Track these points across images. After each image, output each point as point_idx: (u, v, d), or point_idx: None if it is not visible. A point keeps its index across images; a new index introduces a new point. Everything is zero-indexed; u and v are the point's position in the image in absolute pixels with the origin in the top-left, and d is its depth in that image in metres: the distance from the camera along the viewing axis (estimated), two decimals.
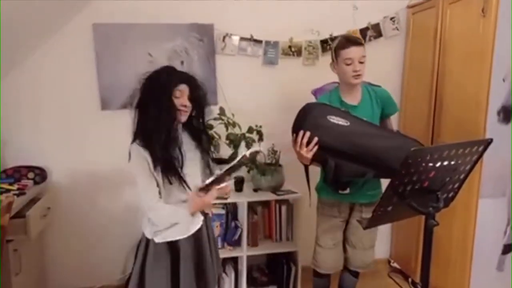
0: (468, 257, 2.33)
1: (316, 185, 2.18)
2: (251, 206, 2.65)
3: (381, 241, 3.14)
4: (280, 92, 2.79)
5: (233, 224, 2.60)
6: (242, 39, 2.69)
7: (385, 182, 2.07)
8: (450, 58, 2.45)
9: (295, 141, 1.83)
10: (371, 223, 1.46)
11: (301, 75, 2.78)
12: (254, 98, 2.77)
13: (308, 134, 1.79)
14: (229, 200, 2.49)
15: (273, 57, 2.75)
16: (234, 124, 2.51)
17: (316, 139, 1.79)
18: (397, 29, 2.88)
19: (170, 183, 1.60)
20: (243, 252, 2.54)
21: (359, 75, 1.93)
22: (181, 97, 1.59)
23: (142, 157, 1.56)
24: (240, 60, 2.72)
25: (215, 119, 2.43)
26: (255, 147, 1.57)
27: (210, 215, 1.85)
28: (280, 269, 2.69)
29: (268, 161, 2.66)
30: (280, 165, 2.63)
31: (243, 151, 1.56)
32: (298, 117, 1.88)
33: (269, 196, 2.57)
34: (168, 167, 1.57)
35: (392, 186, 1.39)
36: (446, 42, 2.48)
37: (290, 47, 2.76)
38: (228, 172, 1.61)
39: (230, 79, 2.73)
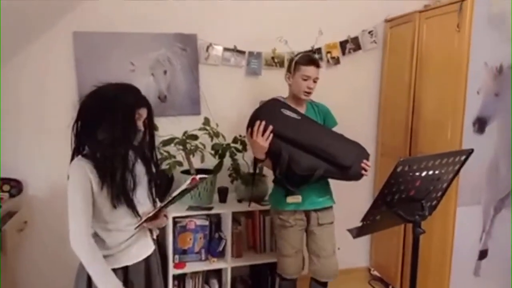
0: (447, 263, 2.40)
1: (269, 198, 2.30)
2: (235, 217, 2.63)
3: (361, 249, 3.21)
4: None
5: (216, 235, 2.58)
6: (225, 49, 2.69)
7: (334, 188, 2.23)
8: (426, 71, 2.55)
9: (251, 132, 1.95)
10: (361, 232, 1.49)
11: (284, 86, 2.76)
12: (238, 108, 2.77)
13: (264, 123, 1.92)
14: (213, 211, 2.47)
15: (256, 68, 2.77)
16: (218, 134, 2.50)
17: (271, 127, 1.93)
18: (375, 42, 2.97)
19: (115, 207, 1.48)
20: (228, 264, 2.52)
21: (310, 92, 2.12)
22: (139, 120, 1.53)
23: (85, 176, 1.43)
24: (223, 71, 2.73)
25: (199, 129, 2.41)
26: (198, 176, 1.51)
27: (155, 238, 1.71)
28: (264, 280, 2.68)
29: (251, 171, 2.66)
30: (263, 175, 2.64)
31: (187, 181, 1.47)
32: (253, 112, 2.03)
33: (254, 207, 2.56)
34: (120, 189, 1.47)
35: (382, 195, 1.43)
36: (423, 56, 2.58)
37: (273, 58, 2.79)
38: (171, 202, 1.52)
39: (214, 89, 2.73)
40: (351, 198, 2.76)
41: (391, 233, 2.81)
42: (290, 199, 2.10)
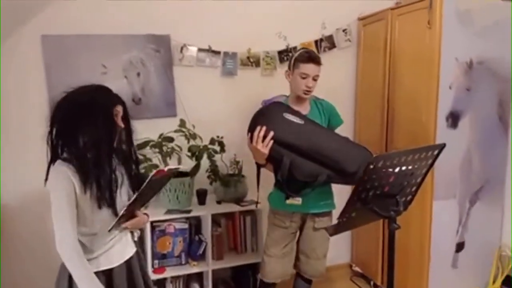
0: (425, 257, 2.43)
1: (268, 194, 2.22)
2: (215, 219, 2.60)
3: (342, 246, 3.22)
4: (240, 102, 2.79)
5: (196, 238, 2.55)
6: (200, 50, 2.67)
7: (336, 192, 2.19)
8: (400, 67, 2.58)
9: (251, 137, 1.88)
10: (337, 230, 1.49)
11: (260, 86, 2.81)
12: (214, 109, 2.75)
13: (264, 128, 1.85)
14: (192, 214, 2.44)
15: (232, 68, 2.75)
16: (194, 136, 2.48)
17: (272, 133, 1.85)
18: (349, 41, 2.99)
19: (100, 208, 1.47)
20: (208, 267, 2.49)
21: (309, 91, 2.04)
22: (117, 117, 1.52)
23: (68, 180, 1.42)
24: (198, 71, 2.70)
25: (175, 131, 2.38)
26: (166, 167, 1.51)
27: (137, 240, 1.71)
28: (246, 281, 2.66)
29: (231, 172, 2.64)
30: (243, 176, 2.62)
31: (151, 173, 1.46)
32: (254, 116, 1.95)
33: (232, 208, 2.55)
34: (103, 190, 1.46)
35: (356, 192, 1.43)
36: (396, 52, 2.61)
37: (248, 58, 2.78)
38: (143, 199, 1.49)
39: (189, 90, 2.69)
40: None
41: (371, 229, 2.83)
42: (289, 201, 2.03)
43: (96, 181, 1.44)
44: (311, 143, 1.90)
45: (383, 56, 2.71)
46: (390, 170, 1.47)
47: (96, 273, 1.48)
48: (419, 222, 2.42)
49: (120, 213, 1.46)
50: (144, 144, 2.27)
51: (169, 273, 2.44)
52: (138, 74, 2.56)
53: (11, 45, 2.35)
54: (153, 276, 2.38)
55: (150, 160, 2.33)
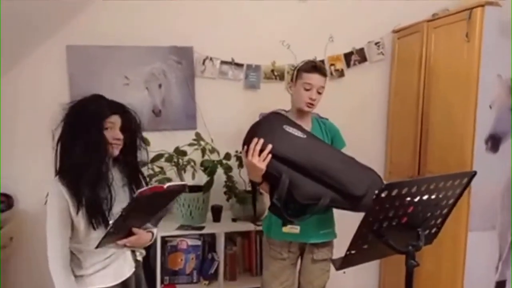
0: None
1: (263, 223, 2.03)
2: (230, 237, 2.51)
3: (369, 273, 3.01)
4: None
5: (209, 256, 2.45)
6: (223, 62, 2.61)
7: (339, 221, 1.98)
8: (435, 83, 2.38)
9: (247, 150, 1.68)
10: (345, 264, 1.33)
11: (284, 100, 2.65)
12: (235, 123, 2.66)
13: (261, 141, 1.65)
14: (205, 231, 2.36)
15: (255, 81, 2.67)
16: (212, 150, 2.40)
17: (270, 146, 1.64)
18: (382, 54, 2.82)
19: (94, 229, 1.42)
20: (220, 287, 2.39)
21: (312, 104, 1.86)
22: (113, 129, 1.45)
23: (61, 198, 1.38)
24: (220, 84, 2.64)
25: (189, 144, 2.32)
26: (166, 184, 1.39)
27: (141, 260, 1.62)
28: None
29: (249, 189, 2.54)
30: (260, 193, 2.51)
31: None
32: (251, 127, 1.76)
33: (248, 227, 2.43)
34: (95, 210, 1.40)
35: (366, 222, 1.27)
36: (432, 67, 2.41)
37: (272, 71, 2.69)
38: (123, 217, 1.35)
39: (210, 103, 2.64)
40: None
41: (400, 255, 2.60)
42: (286, 229, 1.80)
43: (86, 200, 1.39)
44: (313, 160, 1.69)
45: (417, 72, 2.51)
46: (408, 199, 1.30)
47: None
48: (452, 255, 2.18)
49: (106, 231, 1.37)
50: (157, 157, 2.23)
51: None
52: (160, 86, 2.55)
53: (39, 56, 2.41)
54: None
55: (164, 173, 2.28)
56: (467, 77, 2.10)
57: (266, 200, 2.49)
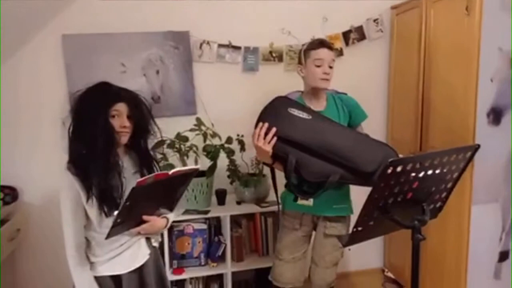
0: (463, 266, 2.21)
1: (281, 194, 2.06)
2: (235, 220, 2.53)
3: (374, 250, 3.05)
4: (262, 99, 2.59)
5: (216, 239, 2.48)
6: (220, 45, 2.58)
7: (354, 197, 1.98)
8: (435, 58, 2.36)
9: (253, 135, 1.75)
10: (352, 241, 1.35)
11: (283, 81, 2.66)
12: (235, 106, 2.66)
13: (266, 125, 1.72)
14: (210, 214, 2.38)
15: (253, 64, 2.65)
16: (214, 135, 2.40)
17: (274, 129, 1.71)
18: (381, 31, 2.79)
19: (107, 216, 1.42)
20: (228, 269, 2.42)
21: (328, 78, 1.87)
22: (120, 117, 1.43)
23: (72, 188, 1.39)
24: (218, 68, 2.62)
25: (190, 130, 2.31)
26: (171, 171, 1.39)
27: (157, 246, 1.64)
28: (269, 285, 2.56)
29: (251, 172, 2.55)
30: (264, 175, 2.52)
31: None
32: (260, 113, 1.81)
33: (253, 209, 2.45)
34: (105, 198, 1.40)
35: (372, 199, 1.28)
36: (431, 43, 2.39)
37: (271, 52, 2.66)
38: (128, 207, 1.33)
39: (209, 87, 2.62)
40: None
41: (405, 233, 2.62)
42: (300, 201, 1.89)
43: (96, 190, 1.39)
44: (320, 140, 1.73)
45: (417, 47, 2.49)
46: (413, 175, 1.31)
47: (103, 277, 1.46)
48: (456, 228, 2.21)
49: (113, 222, 1.36)
50: (159, 144, 2.22)
51: (188, 274, 2.40)
52: (157, 72, 2.53)
53: (33, 46, 2.38)
54: (172, 277, 2.35)
55: (166, 159, 2.28)
56: (467, 51, 2.09)
57: (269, 182, 2.50)
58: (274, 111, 1.77)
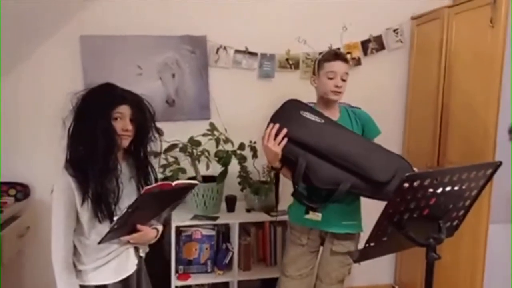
0: (478, 286, 2.13)
1: (288, 206, 2.01)
2: (244, 227, 2.49)
3: (385, 266, 2.97)
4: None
5: (224, 246, 2.44)
6: (236, 51, 2.57)
7: (365, 214, 1.91)
8: (456, 71, 2.30)
9: (263, 137, 1.70)
10: (363, 256, 1.30)
11: (299, 89, 2.61)
12: (249, 112, 2.63)
13: (277, 125, 1.67)
14: (219, 221, 2.34)
15: (269, 70, 2.63)
16: (226, 140, 2.38)
17: (285, 130, 1.66)
18: (401, 41, 2.74)
19: (100, 222, 1.38)
20: (234, 277, 2.38)
21: (339, 91, 1.82)
22: (122, 119, 1.39)
23: (68, 189, 1.34)
24: (234, 73, 2.61)
25: (203, 135, 2.29)
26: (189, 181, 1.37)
27: (143, 257, 1.58)
28: None
29: (263, 179, 2.51)
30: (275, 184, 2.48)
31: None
32: (272, 115, 1.76)
33: (262, 217, 2.41)
34: (100, 203, 1.36)
35: (386, 214, 1.23)
36: (452, 55, 2.33)
37: (287, 59, 2.64)
38: (129, 214, 1.30)
39: (224, 93, 2.61)
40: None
41: (417, 248, 2.55)
42: (309, 215, 1.78)
43: (92, 193, 1.35)
44: (331, 145, 1.67)
45: (437, 59, 2.44)
46: (431, 190, 1.26)
47: (89, 287, 1.42)
48: (471, 248, 2.13)
49: (110, 227, 1.32)
50: (171, 147, 2.21)
51: (193, 280, 2.37)
52: (173, 76, 2.52)
53: (51, 45, 2.40)
54: (178, 283, 2.32)
55: (178, 163, 2.26)
56: (490, 64, 2.03)
57: (280, 190, 2.46)
58: (286, 113, 1.73)
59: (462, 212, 1.42)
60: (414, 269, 2.68)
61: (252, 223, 2.50)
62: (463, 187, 1.32)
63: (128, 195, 1.44)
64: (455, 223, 1.44)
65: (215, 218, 2.33)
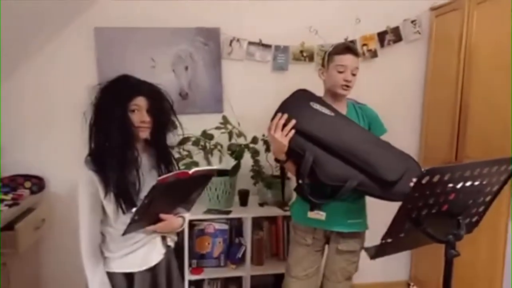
0: (497, 284, 2.07)
1: (290, 207, 1.97)
2: (257, 222, 2.48)
3: (400, 261, 2.93)
4: None
5: (237, 240, 2.44)
6: (250, 43, 2.54)
7: (370, 212, 1.88)
8: (476, 64, 2.23)
9: (270, 127, 1.64)
10: (379, 253, 1.27)
11: (313, 81, 2.56)
12: (262, 105, 2.57)
13: (285, 116, 1.60)
14: (232, 215, 2.33)
15: (283, 63, 2.59)
16: (239, 134, 2.36)
17: (293, 121, 1.60)
18: (419, 33, 2.67)
19: (124, 213, 1.39)
20: (247, 272, 2.37)
21: (348, 86, 1.76)
22: (139, 111, 1.40)
23: (91, 182, 1.37)
24: (248, 66, 2.58)
25: (216, 128, 2.28)
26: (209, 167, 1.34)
27: (172, 246, 1.61)
28: None
29: (276, 173, 2.49)
30: (288, 178, 2.45)
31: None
32: (280, 104, 1.70)
33: (275, 212, 2.39)
34: (122, 194, 1.38)
35: (404, 210, 1.20)
36: (473, 47, 2.26)
37: (301, 52, 2.59)
38: (146, 205, 1.30)
39: (237, 85, 2.59)
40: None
41: (433, 245, 2.50)
42: (311, 214, 1.74)
43: (114, 185, 1.37)
44: (341, 139, 1.60)
45: (457, 50, 2.36)
46: (450, 185, 1.21)
47: (115, 274, 1.44)
48: (491, 245, 2.07)
49: (130, 219, 1.33)
50: (184, 141, 2.20)
51: (206, 274, 2.37)
52: (186, 68, 2.51)
53: (66, 37, 2.41)
54: (190, 277, 2.33)
55: (191, 157, 2.25)
56: None
57: (293, 185, 2.44)
58: (295, 103, 1.66)
59: (482, 208, 1.37)
60: (430, 265, 2.63)
61: (265, 218, 2.49)
62: (484, 182, 1.27)
63: (150, 186, 1.43)
64: (474, 219, 1.39)
65: (228, 212, 2.32)
